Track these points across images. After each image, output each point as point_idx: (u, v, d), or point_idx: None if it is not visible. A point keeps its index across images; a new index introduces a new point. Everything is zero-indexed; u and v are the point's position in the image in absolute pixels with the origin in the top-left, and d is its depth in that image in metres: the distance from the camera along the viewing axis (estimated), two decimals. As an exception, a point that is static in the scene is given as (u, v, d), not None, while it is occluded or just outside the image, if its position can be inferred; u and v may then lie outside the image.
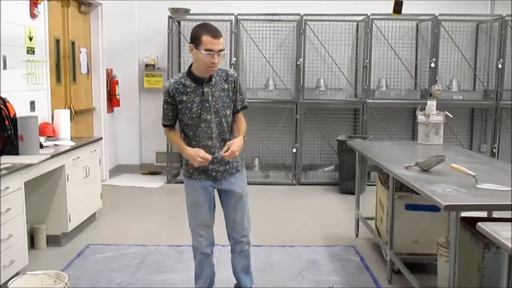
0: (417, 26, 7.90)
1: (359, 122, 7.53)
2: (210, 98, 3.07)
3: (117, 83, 7.66)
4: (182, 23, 7.73)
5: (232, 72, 3.18)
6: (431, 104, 4.83)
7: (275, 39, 7.74)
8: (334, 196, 6.84)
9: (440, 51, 7.45)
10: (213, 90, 3.09)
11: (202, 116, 3.07)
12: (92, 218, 5.35)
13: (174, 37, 7.58)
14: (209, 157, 3.05)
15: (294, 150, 7.39)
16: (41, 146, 4.51)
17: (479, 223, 2.19)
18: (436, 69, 7.38)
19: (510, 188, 2.94)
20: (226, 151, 3.02)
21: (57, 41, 6.04)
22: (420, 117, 4.87)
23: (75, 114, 6.40)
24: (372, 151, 4.63)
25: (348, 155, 6.57)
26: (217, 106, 3.09)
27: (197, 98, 3.06)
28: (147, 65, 7.89)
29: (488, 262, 2.82)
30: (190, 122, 3.10)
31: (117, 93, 7.65)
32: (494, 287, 2.52)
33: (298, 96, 7.30)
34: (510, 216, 2.96)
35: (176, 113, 3.13)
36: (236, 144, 3.05)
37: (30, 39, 5.07)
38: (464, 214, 2.76)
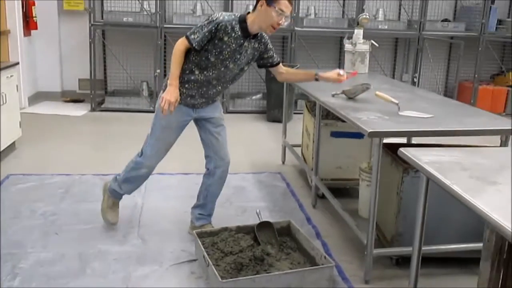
0: (346, -47, 7.83)
1: (287, 50, 7.52)
2: (243, 53, 3.13)
3: (33, 4, 7.17)
4: None
5: (265, 34, 3.25)
6: (358, 33, 4.88)
7: (203, -38, 7.44)
8: (262, 124, 6.91)
9: (368, -21, 7.47)
10: (249, 48, 3.16)
11: (227, 62, 3.10)
12: (11, 147, 5.12)
13: (95, -45, 7.11)
14: (173, 108, 3.03)
15: (222, 78, 7.31)
16: (-50, 71, 4.20)
17: (401, 149, 2.28)
18: (363, -2, 7.42)
19: (430, 115, 3.07)
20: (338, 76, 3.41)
21: (-37, -45, 5.50)
22: (347, 46, 4.92)
23: (-12, 37, 5.96)
24: (300, 79, 4.64)
25: (276, 83, 6.52)
26: (243, 61, 3.19)
27: (233, 46, 3.06)
28: (66, -15, 7.42)
29: (407, 186, 2.97)
30: (213, 59, 3.08)
31: (34, 15, 7.18)
32: (411, 209, 2.67)
33: (226, 23, 7.11)
34: (429, 142, 3.12)
35: (207, 43, 3.04)
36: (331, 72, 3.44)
37: None
38: (385, 140, 2.86)
